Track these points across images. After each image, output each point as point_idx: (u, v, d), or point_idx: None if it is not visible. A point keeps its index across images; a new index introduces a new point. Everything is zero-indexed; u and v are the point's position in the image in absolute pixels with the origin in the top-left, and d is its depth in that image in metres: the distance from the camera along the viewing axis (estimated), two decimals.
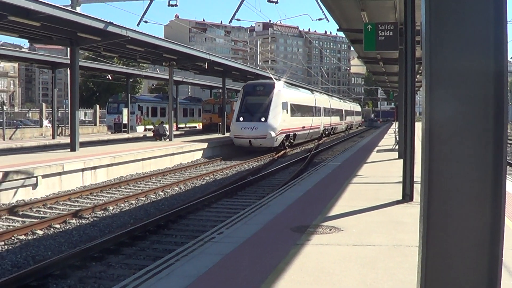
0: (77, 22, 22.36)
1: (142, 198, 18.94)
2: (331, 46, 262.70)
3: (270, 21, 65.95)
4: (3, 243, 12.66)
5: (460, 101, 3.31)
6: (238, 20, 39.90)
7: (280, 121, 37.84)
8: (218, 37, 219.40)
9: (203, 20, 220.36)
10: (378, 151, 29.89)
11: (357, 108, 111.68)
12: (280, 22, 72.26)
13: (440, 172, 3.34)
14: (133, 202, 18.27)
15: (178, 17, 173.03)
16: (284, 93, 40.12)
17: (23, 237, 13.28)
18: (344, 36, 37.14)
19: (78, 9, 30.06)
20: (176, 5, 30.53)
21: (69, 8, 26.23)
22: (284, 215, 11.17)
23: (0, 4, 18.28)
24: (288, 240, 8.78)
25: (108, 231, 13.99)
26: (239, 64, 49.05)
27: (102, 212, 16.49)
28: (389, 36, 17.89)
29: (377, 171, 19.86)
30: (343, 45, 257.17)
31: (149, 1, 30.29)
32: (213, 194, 18.66)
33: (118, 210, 16.94)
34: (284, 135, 39.42)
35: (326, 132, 60.66)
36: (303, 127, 45.87)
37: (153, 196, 19.48)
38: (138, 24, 32.17)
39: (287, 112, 39.72)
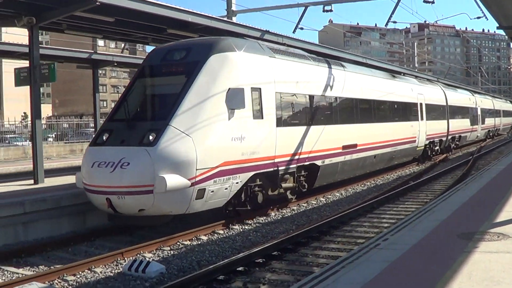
0: (234, 31, 22.83)
1: (304, 204, 19.07)
2: (490, 45, 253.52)
3: (425, 21, 64.41)
4: (169, 248, 13.18)
5: None
6: (394, 22, 38.91)
7: (213, 138, 14.25)
8: (373, 40, 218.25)
9: (357, 23, 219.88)
10: None
11: (506, 105, 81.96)
12: (436, 22, 69.82)
13: None
14: (295, 208, 18.44)
15: (332, 22, 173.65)
16: (244, 65, 16.05)
17: (188, 242, 13.76)
18: (503, 33, 34.56)
19: (234, 19, 30.60)
20: (331, 11, 30.42)
21: (225, 19, 26.82)
22: (449, 221, 10.88)
23: (160, 18, 18.93)
24: (454, 247, 8.56)
25: (271, 237, 14.17)
26: (395, 66, 48.14)
27: (264, 218, 16.75)
28: None
29: None
30: (502, 43, 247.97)
31: (303, 8, 30.40)
32: (374, 200, 18.49)
33: (280, 216, 17.16)
34: (252, 174, 15.77)
35: (436, 148, 36.48)
36: (346, 148, 21.71)
37: (314, 202, 19.57)
38: (294, 31, 32.24)
39: (260, 115, 16.14)
